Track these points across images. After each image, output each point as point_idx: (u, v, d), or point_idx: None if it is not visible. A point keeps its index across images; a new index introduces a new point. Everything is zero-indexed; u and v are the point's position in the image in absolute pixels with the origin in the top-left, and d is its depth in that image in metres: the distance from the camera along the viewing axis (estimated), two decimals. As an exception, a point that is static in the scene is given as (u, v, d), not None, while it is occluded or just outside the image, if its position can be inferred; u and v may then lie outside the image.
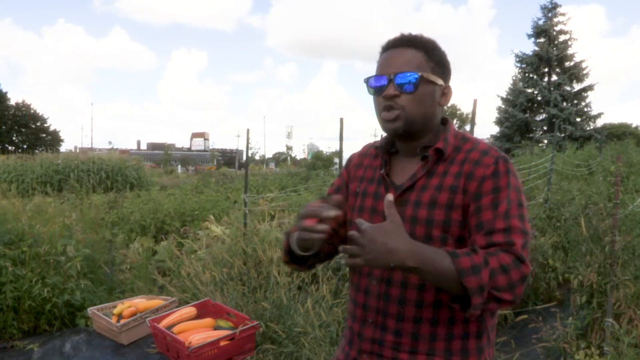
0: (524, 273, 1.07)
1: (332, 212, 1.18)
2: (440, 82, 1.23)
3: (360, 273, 1.28)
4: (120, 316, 3.78)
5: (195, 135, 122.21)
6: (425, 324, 1.18)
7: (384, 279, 1.22)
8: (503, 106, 24.96)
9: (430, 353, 1.18)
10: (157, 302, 3.98)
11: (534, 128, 24.53)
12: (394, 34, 1.28)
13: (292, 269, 1.42)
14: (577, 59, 24.03)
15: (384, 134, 1.33)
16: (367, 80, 1.27)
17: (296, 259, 1.36)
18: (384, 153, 1.31)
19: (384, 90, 1.22)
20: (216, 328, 3.44)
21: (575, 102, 23.98)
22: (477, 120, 4.20)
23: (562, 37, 24.24)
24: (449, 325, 1.18)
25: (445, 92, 1.27)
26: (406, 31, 1.26)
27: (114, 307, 3.93)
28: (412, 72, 1.19)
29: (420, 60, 1.21)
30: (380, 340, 1.22)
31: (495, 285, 1.04)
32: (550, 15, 24.27)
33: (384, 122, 1.24)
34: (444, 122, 1.30)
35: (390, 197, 1.13)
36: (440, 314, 1.17)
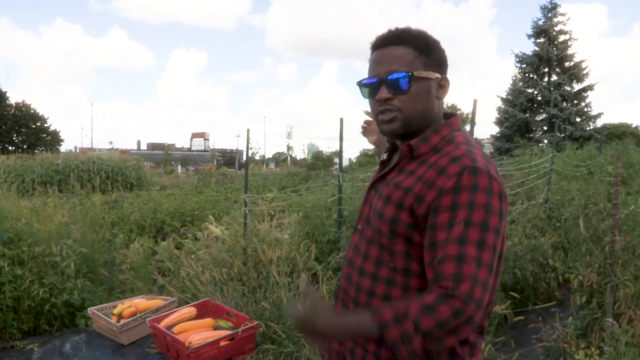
0: (457, 312, 0.99)
1: None
2: (435, 75, 1.20)
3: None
4: (120, 316, 3.78)
5: (195, 135, 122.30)
6: (377, 300, 1.19)
7: (350, 261, 1.26)
8: (503, 106, 24.93)
9: (379, 342, 1.15)
10: (157, 302, 3.98)
11: (534, 128, 24.51)
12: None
13: None
14: (577, 59, 24.00)
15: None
16: (359, 84, 1.24)
17: None
18: (389, 145, 1.34)
19: (377, 93, 1.19)
20: (216, 328, 3.44)
21: (575, 102, 23.93)
22: (477, 120, 4.20)
23: (562, 37, 24.19)
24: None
25: (443, 85, 1.23)
26: (393, 27, 1.23)
27: (114, 307, 3.92)
28: (402, 72, 1.16)
29: (410, 57, 1.18)
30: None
31: (434, 336, 1.00)
32: (550, 15, 24.22)
33: (382, 124, 1.22)
34: (449, 118, 1.26)
35: (302, 282, 1.20)
36: (392, 292, 1.17)
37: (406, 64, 1.17)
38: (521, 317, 3.38)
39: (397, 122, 1.20)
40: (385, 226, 1.15)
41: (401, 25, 1.25)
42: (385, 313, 1.03)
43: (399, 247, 1.14)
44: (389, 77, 1.17)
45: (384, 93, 1.18)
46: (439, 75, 1.22)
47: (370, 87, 1.22)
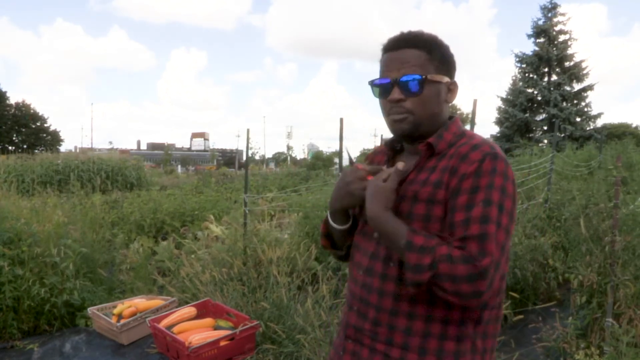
0: (478, 289, 1.03)
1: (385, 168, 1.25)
2: (445, 79, 1.23)
3: (353, 262, 1.32)
4: (120, 316, 3.78)
5: (195, 135, 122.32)
6: (401, 317, 1.18)
7: (368, 269, 1.24)
8: (503, 106, 24.93)
9: (404, 347, 1.17)
10: (157, 302, 3.98)
11: (534, 128, 24.50)
12: (393, 32, 1.27)
13: (332, 254, 1.47)
14: (577, 58, 23.98)
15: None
16: (371, 83, 1.27)
17: (334, 244, 1.42)
18: (389, 149, 1.35)
19: (389, 94, 1.22)
20: (216, 328, 3.44)
21: (575, 102, 23.92)
22: (477, 120, 4.21)
23: (562, 37, 24.18)
24: (425, 322, 1.16)
25: (451, 89, 1.26)
26: (406, 29, 1.25)
27: (114, 307, 3.93)
28: (415, 74, 1.19)
29: (423, 60, 1.20)
30: (360, 327, 1.24)
31: (441, 285, 1.05)
32: (550, 15, 24.21)
33: (392, 123, 1.25)
34: (451, 119, 1.30)
35: (400, 164, 1.20)
36: (417, 308, 1.16)
37: (419, 67, 1.20)
38: (521, 317, 3.38)
39: (406, 123, 1.22)
40: (418, 224, 1.15)
41: (403, 26, 1.27)
42: (418, 238, 1.08)
43: (415, 235, 1.14)
44: (402, 79, 1.20)
45: (396, 94, 1.21)
46: (449, 80, 1.25)
47: (382, 88, 1.24)
